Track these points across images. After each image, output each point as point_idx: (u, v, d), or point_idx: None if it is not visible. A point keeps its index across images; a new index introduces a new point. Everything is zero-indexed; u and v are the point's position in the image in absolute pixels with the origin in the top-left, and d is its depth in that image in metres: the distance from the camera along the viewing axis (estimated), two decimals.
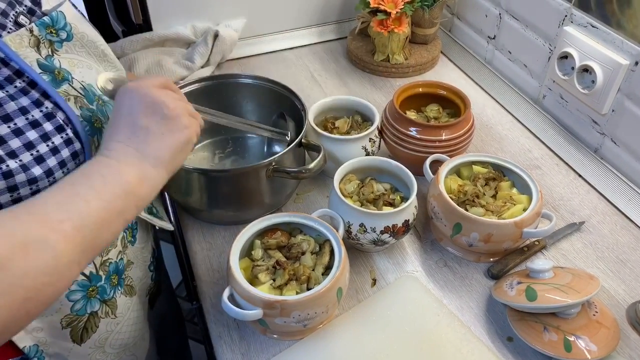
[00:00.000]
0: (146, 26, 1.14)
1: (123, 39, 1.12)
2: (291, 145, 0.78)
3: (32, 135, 0.50)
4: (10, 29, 0.52)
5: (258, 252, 0.69)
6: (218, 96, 0.91)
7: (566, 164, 0.95)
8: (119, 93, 0.55)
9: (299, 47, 1.27)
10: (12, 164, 0.48)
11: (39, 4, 0.57)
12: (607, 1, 0.85)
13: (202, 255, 0.79)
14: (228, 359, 0.66)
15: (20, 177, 0.49)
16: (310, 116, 0.87)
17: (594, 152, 0.96)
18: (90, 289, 0.63)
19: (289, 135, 0.84)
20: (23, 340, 0.59)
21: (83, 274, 0.62)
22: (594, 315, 0.65)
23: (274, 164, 0.75)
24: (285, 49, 1.26)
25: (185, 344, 1.16)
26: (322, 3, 1.27)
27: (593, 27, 0.89)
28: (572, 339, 0.63)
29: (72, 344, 0.63)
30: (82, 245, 0.45)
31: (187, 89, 0.88)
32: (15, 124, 0.49)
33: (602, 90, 0.88)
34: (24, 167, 0.49)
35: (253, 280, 0.66)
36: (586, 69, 0.91)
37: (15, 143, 0.49)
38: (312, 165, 0.76)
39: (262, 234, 0.71)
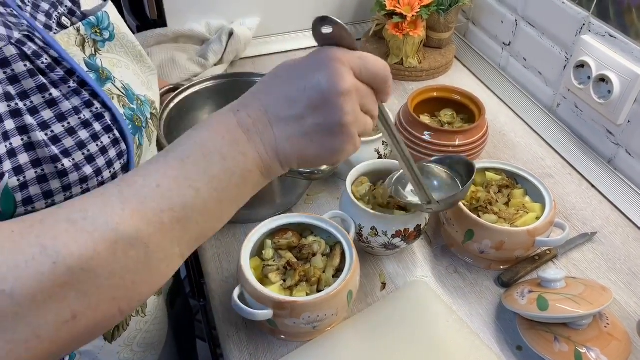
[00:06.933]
0: (161, 22, 1.15)
1: (137, 34, 1.12)
2: None
3: (83, 134, 0.50)
4: (56, 29, 0.52)
5: (269, 252, 0.69)
6: (231, 94, 0.89)
7: (579, 173, 0.94)
8: (320, 50, 0.46)
9: (312, 47, 1.26)
10: (67, 162, 0.48)
11: (77, 4, 0.58)
12: (627, 11, 0.85)
13: (211, 253, 0.79)
14: (236, 359, 0.66)
15: (74, 177, 0.49)
16: None
17: (607, 162, 0.95)
18: None
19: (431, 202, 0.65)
20: None
21: None
22: (606, 327, 0.65)
23: None
24: (299, 49, 1.25)
25: (193, 343, 1.16)
26: (337, 4, 1.27)
27: (611, 36, 0.88)
28: (583, 350, 0.62)
29: (103, 342, 0.63)
30: (184, 238, 0.40)
31: (200, 87, 0.88)
32: (68, 122, 0.49)
33: (618, 100, 0.87)
34: (77, 166, 0.49)
35: (263, 280, 0.66)
36: (602, 79, 0.90)
37: (68, 142, 0.49)
38: (325, 166, 0.75)
39: (273, 234, 0.71)
